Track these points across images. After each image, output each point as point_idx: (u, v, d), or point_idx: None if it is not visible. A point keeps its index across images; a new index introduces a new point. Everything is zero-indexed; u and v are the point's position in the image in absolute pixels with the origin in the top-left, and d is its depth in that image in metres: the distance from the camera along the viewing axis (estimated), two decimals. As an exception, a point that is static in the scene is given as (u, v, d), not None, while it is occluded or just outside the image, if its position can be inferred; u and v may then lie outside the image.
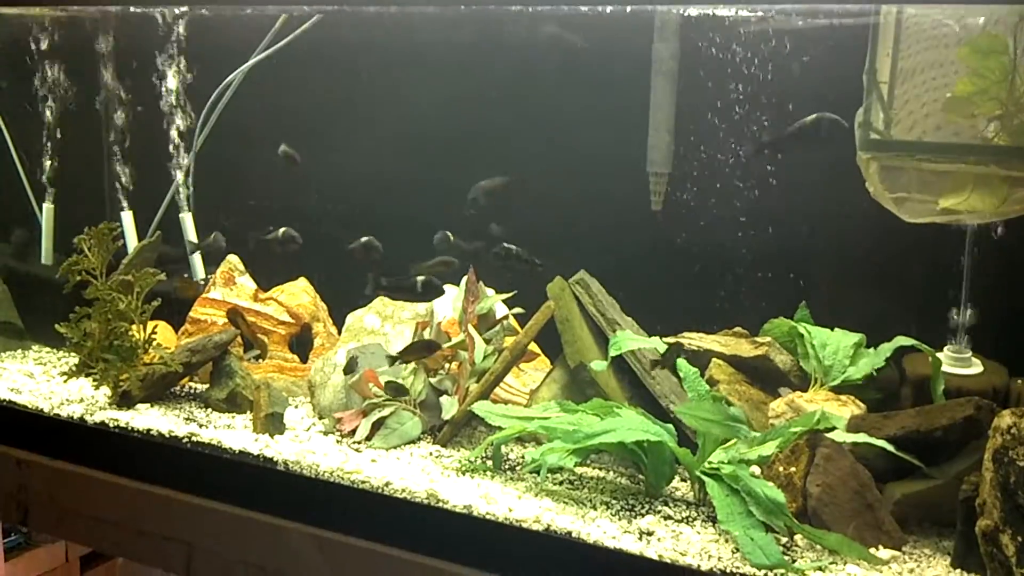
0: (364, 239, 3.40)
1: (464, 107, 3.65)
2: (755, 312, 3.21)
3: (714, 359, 3.03)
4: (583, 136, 3.47)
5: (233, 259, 3.69)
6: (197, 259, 3.93)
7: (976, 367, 2.85)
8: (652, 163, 3.29)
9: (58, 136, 4.13)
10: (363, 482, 2.82)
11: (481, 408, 2.92)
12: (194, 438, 3.11)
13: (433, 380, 3.25)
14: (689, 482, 2.83)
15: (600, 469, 2.97)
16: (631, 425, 2.73)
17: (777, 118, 2.99)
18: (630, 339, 2.94)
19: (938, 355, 2.82)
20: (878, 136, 2.67)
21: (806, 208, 3.14)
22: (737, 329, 3.18)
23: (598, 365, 2.94)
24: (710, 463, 2.67)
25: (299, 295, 3.65)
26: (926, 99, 2.61)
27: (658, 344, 2.96)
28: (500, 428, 2.87)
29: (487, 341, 3.24)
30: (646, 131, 3.28)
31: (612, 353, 2.90)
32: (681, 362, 2.88)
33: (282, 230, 3.47)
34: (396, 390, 3.13)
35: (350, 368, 3.20)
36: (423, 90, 3.72)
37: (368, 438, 3.09)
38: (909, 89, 2.62)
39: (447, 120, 3.67)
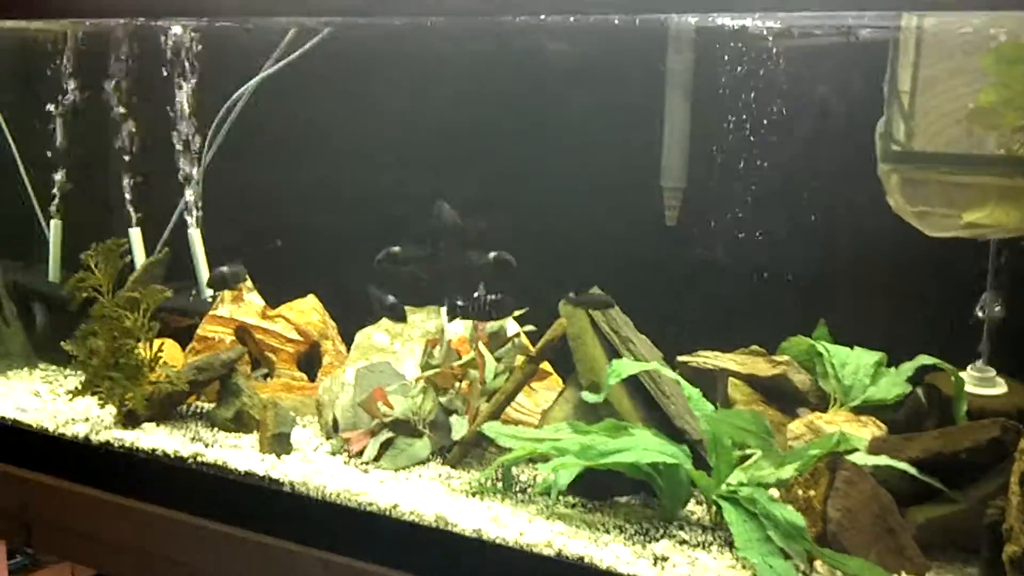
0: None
1: (478, 121, 3.60)
2: (773, 329, 3.14)
3: (731, 378, 2.96)
4: (595, 151, 3.41)
5: (241, 275, 3.65)
6: (205, 272, 3.87)
7: (1000, 387, 2.77)
8: (667, 177, 3.22)
9: (67, 150, 4.09)
10: (370, 504, 2.76)
11: (491, 429, 2.86)
12: (199, 458, 3.05)
13: (443, 399, 3.18)
14: (705, 505, 2.75)
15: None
16: (646, 445, 2.66)
17: (792, 131, 2.93)
18: (628, 365, 2.85)
19: (961, 375, 2.74)
20: (899, 148, 2.59)
21: (826, 223, 3.07)
22: (754, 347, 3.11)
23: (590, 396, 2.85)
24: (728, 486, 2.60)
25: (308, 312, 3.59)
26: (949, 109, 2.53)
27: (660, 367, 2.88)
28: (510, 449, 2.80)
29: (498, 359, 3.17)
30: (660, 145, 3.21)
31: (611, 381, 2.81)
32: (683, 381, 2.81)
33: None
34: (396, 426, 3.05)
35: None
36: (438, 103, 3.68)
37: (376, 459, 3.02)
38: (931, 99, 2.54)
39: (460, 133, 3.62)
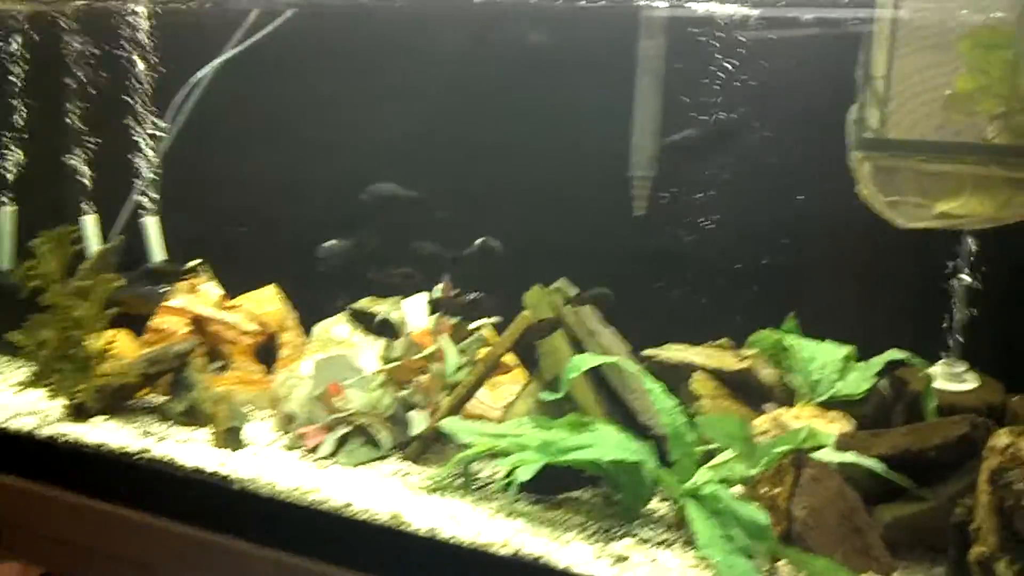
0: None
1: (440, 108, 3.51)
2: (744, 322, 3.06)
3: (696, 372, 2.87)
4: (563, 137, 3.32)
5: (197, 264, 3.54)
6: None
7: (971, 383, 2.70)
8: (635, 166, 3.14)
9: (21, 135, 3.98)
10: (323, 502, 2.66)
11: (450, 424, 2.77)
12: (148, 453, 2.95)
13: (403, 393, 3.09)
14: (669, 502, 2.67)
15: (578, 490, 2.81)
16: (608, 442, 2.57)
17: (764, 118, 2.85)
18: (588, 359, 2.76)
19: (931, 370, 2.66)
20: (872, 135, 2.50)
21: (795, 213, 2.99)
22: (723, 341, 3.03)
23: (548, 395, 2.77)
24: (696, 483, 2.51)
25: (267, 303, 3.49)
26: (925, 96, 2.44)
27: (623, 362, 2.79)
28: (470, 445, 2.71)
29: (460, 352, 3.08)
30: (629, 132, 3.13)
31: (569, 376, 2.73)
32: (646, 375, 2.72)
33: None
34: (354, 420, 2.95)
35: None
36: (404, 88, 3.57)
37: (332, 455, 2.93)
38: (907, 85, 2.45)
39: (422, 120, 3.53)
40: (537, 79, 3.38)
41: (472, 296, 2.96)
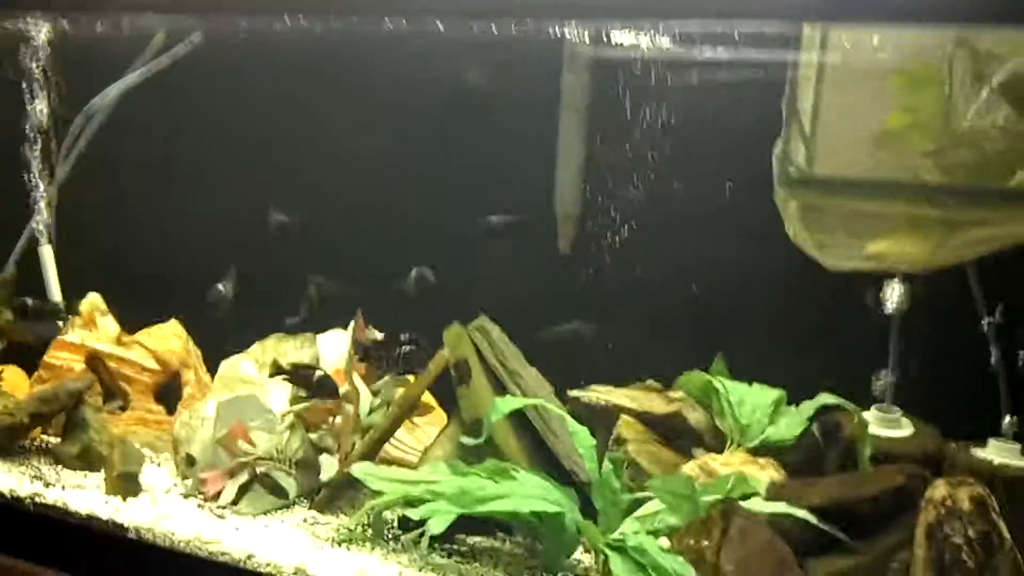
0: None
1: (348, 135, 3.37)
2: (672, 363, 2.95)
3: (623, 416, 2.74)
4: (488, 173, 3.19)
5: (94, 297, 3.32)
6: (56, 293, 3.53)
7: (907, 429, 2.61)
8: (561, 203, 3.03)
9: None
10: (223, 554, 2.48)
11: (360, 470, 2.59)
12: (37, 499, 2.74)
13: (313, 436, 2.91)
14: (593, 553, 2.52)
15: (495, 539, 2.65)
16: (528, 491, 2.43)
17: (685, 152, 2.76)
18: (510, 402, 2.62)
19: (865, 415, 2.57)
20: (798, 172, 2.41)
21: (724, 251, 2.89)
22: (650, 382, 2.91)
23: (469, 440, 2.63)
24: (621, 534, 2.38)
25: (168, 339, 3.29)
26: (853, 132, 2.36)
27: (545, 403, 2.65)
28: (383, 493, 2.55)
29: (375, 393, 2.92)
30: (554, 169, 3.02)
31: (492, 419, 2.59)
32: (569, 420, 2.58)
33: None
34: (258, 466, 2.77)
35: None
36: (314, 114, 3.42)
37: (234, 502, 2.74)
38: (835, 120, 2.36)
39: (328, 150, 3.38)
40: (456, 112, 3.26)
41: (406, 344, 2.80)
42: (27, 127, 3.53)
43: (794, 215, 2.47)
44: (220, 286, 3.02)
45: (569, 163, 3.05)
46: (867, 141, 2.36)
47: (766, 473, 2.53)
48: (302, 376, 2.86)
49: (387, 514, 2.67)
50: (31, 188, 3.57)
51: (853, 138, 2.40)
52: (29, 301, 3.14)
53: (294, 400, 2.93)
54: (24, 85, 3.50)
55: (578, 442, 2.52)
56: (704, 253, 2.90)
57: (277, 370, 2.88)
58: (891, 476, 2.30)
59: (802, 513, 2.29)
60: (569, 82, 2.97)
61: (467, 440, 2.63)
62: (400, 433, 2.99)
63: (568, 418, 2.55)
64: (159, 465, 3.05)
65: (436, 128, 3.29)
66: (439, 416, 3.09)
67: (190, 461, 2.88)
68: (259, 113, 3.45)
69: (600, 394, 2.84)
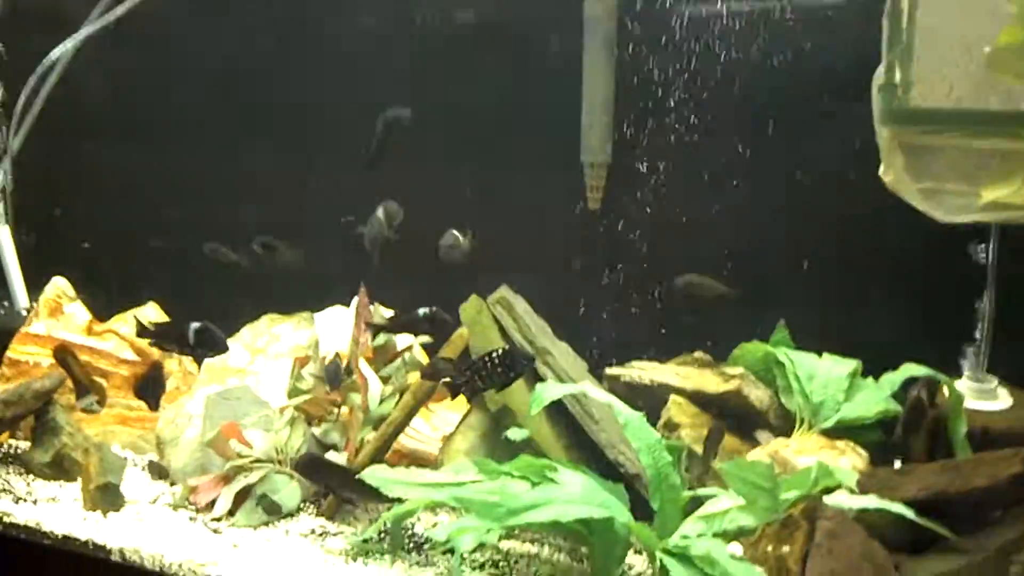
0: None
1: (339, 88, 3.00)
2: (718, 333, 2.60)
3: (672, 396, 2.39)
4: (496, 121, 2.82)
5: (60, 282, 2.95)
6: (17, 279, 3.15)
7: (1004, 400, 2.26)
8: (588, 151, 2.66)
9: None
10: (220, 579, 2.14)
11: (374, 476, 2.24)
12: (7, 519, 2.41)
13: (317, 431, 2.56)
14: (647, 557, 2.18)
15: (533, 543, 2.31)
16: (570, 495, 2.08)
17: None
18: (553, 389, 2.26)
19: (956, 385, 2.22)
20: (903, 104, 1.98)
21: (784, 204, 2.53)
22: (697, 354, 2.57)
23: (516, 433, 2.28)
24: (682, 538, 2.03)
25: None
26: (961, 53, 1.93)
27: (592, 391, 2.28)
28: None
29: (385, 380, 2.57)
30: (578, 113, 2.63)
31: (532, 410, 2.23)
32: (618, 405, 2.21)
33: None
34: (256, 469, 2.41)
35: None
36: (295, 65, 3.04)
37: (231, 513, 2.39)
38: (936, 39, 1.94)
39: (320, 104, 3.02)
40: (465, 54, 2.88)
41: (423, 312, 2.42)
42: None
43: (896, 158, 2.05)
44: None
45: (595, 104, 2.67)
46: (974, 63, 1.93)
47: (847, 459, 2.19)
48: (166, 335, 2.46)
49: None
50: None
51: (959, 60, 1.98)
52: None
53: (292, 392, 2.57)
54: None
55: (633, 435, 2.15)
56: (763, 207, 2.53)
57: (141, 329, 2.49)
58: (1006, 462, 1.95)
59: (898, 507, 1.96)
60: (593, 8, 2.58)
61: (514, 433, 2.27)
62: (415, 420, 2.64)
63: (619, 405, 2.18)
64: (143, 469, 2.70)
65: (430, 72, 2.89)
66: (457, 400, 2.73)
67: (178, 467, 2.53)
68: (223, 67, 3.06)
69: (643, 371, 2.49)
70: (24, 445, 2.81)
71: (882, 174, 2.05)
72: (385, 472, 2.29)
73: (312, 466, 2.37)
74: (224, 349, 2.44)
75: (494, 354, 2.20)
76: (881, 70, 2.01)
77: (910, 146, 1.97)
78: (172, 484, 2.60)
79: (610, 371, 2.55)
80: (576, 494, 2.11)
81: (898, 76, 1.95)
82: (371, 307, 2.61)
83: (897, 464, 2.25)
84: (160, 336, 2.47)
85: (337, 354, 2.57)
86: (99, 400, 2.82)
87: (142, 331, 2.50)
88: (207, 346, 2.41)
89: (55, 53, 3.06)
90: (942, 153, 1.97)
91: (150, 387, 2.87)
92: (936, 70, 1.92)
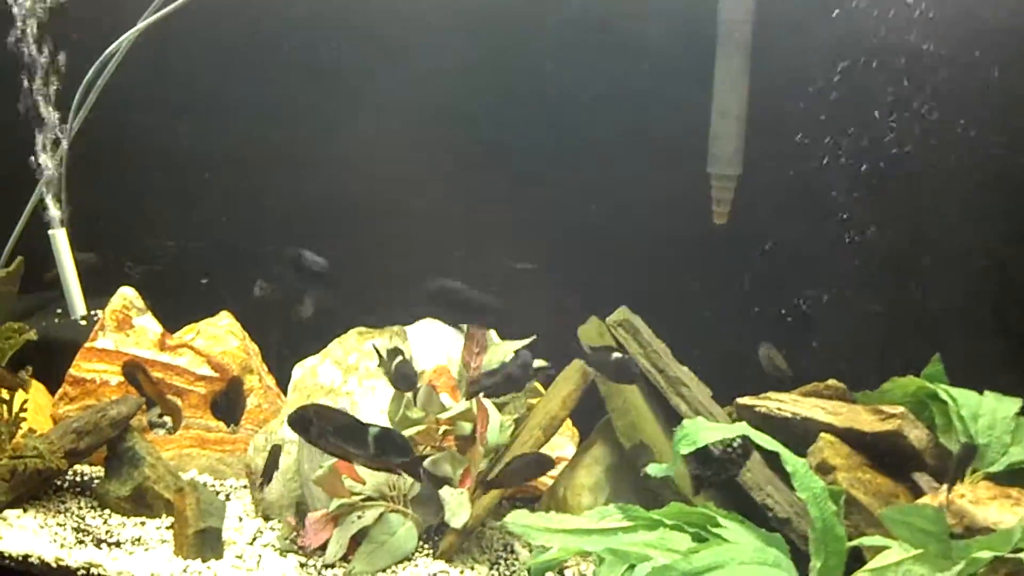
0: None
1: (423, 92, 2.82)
2: (845, 363, 2.46)
3: (823, 434, 2.22)
4: (613, 129, 2.63)
5: (128, 293, 2.68)
6: (75, 286, 2.87)
7: None
8: (716, 162, 2.47)
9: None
10: (355, 645, 1.95)
11: (517, 522, 2.05)
12: (94, 570, 2.15)
13: (425, 462, 2.36)
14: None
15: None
16: (743, 555, 1.92)
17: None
18: (712, 430, 2.08)
19: None
20: None
21: (936, 221, 2.39)
22: (831, 382, 2.40)
23: (658, 469, 2.11)
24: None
25: (224, 338, 2.68)
26: None
27: (750, 433, 2.10)
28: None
29: (501, 408, 2.37)
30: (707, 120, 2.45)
31: (681, 449, 2.05)
32: (785, 454, 2.05)
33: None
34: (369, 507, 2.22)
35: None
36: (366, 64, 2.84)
37: (344, 558, 2.18)
38: None
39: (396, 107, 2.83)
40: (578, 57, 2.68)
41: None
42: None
43: None
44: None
45: (726, 112, 2.49)
46: None
47: (1022, 508, 2.05)
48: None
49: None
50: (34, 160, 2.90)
51: None
52: None
53: (399, 422, 2.36)
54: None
55: (801, 486, 1.99)
56: (910, 224, 2.38)
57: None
58: None
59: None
60: (729, 10, 2.39)
61: (655, 469, 2.09)
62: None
63: (785, 452, 2.02)
64: (228, 498, 2.48)
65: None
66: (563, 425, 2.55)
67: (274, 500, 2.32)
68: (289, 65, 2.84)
69: (783, 403, 2.32)
70: (88, 470, 2.59)
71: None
72: (528, 519, 2.11)
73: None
74: None
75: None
76: None
77: None
78: (267, 519, 2.39)
79: (741, 401, 2.38)
80: (748, 554, 1.95)
81: None
82: (485, 332, 2.41)
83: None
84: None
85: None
86: (174, 421, 2.60)
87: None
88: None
89: (112, 47, 2.78)
90: None
91: (228, 405, 2.64)
92: None
